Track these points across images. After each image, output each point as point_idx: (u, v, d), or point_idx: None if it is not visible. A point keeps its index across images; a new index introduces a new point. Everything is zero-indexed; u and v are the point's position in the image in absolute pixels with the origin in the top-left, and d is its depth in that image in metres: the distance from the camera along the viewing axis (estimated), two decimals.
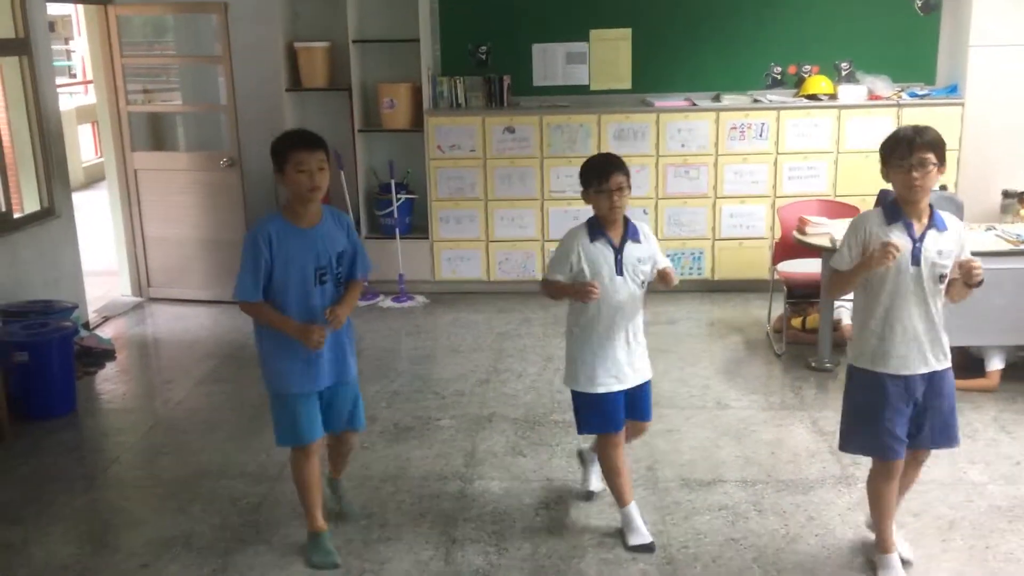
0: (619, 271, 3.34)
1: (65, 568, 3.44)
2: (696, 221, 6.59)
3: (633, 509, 3.50)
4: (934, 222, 3.05)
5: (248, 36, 6.49)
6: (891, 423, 3.12)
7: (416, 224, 6.91)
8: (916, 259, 3.03)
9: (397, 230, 6.69)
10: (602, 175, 3.30)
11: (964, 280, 3.03)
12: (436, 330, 6.18)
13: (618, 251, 3.34)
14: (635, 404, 3.49)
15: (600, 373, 3.39)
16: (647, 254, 3.40)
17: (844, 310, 5.70)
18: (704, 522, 3.66)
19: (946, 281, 3.08)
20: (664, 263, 3.43)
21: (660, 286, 3.39)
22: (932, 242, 3.03)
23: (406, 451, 4.34)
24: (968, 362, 4.93)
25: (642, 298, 3.43)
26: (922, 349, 3.09)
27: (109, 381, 5.38)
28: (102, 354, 5.66)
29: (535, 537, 3.57)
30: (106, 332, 6.17)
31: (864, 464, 3.92)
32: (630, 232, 3.38)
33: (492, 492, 3.93)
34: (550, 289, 3.43)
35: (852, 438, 3.26)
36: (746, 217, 6.58)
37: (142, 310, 6.78)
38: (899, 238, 3.01)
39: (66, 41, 15.34)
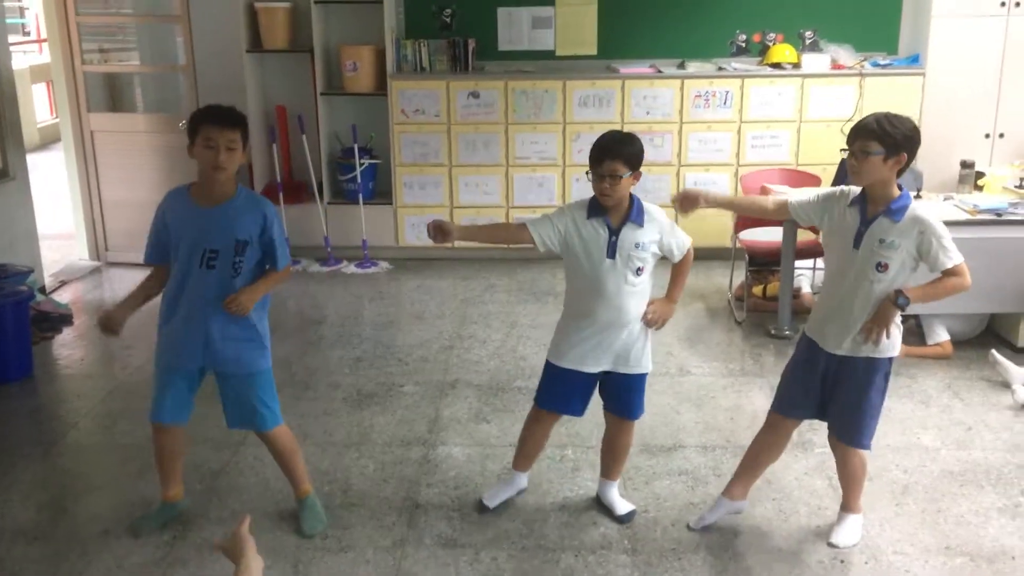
0: (610, 254, 3.16)
1: (24, 534, 3.41)
2: (660, 188, 6.59)
3: (518, 476, 3.57)
4: (889, 210, 3.00)
5: None
6: (794, 379, 3.23)
7: (380, 189, 6.86)
8: (856, 242, 3.05)
9: (360, 195, 6.63)
10: (596, 158, 3.10)
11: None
12: (400, 296, 6.16)
13: (613, 233, 3.16)
14: (614, 395, 3.37)
15: (569, 349, 3.30)
16: (649, 239, 3.19)
17: (804, 279, 5.78)
18: (664, 487, 3.70)
19: (892, 273, 3.00)
20: (680, 249, 3.25)
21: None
22: (878, 229, 3.01)
23: (369, 417, 4.34)
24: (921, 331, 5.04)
25: (643, 285, 3.22)
26: (843, 330, 3.09)
27: (66, 346, 5.31)
28: (59, 319, 5.57)
29: None
30: (63, 296, 6.07)
31: (820, 430, 4.00)
32: (633, 214, 3.17)
33: (455, 458, 3.95)
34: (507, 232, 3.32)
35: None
36: (709, 185, 6.59)
37: (100, 274, 6.68)
38: (851, 218, 3.07)
39: None
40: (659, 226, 3.23)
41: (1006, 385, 4.52)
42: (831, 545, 3.30)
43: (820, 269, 5.83)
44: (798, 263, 5.36)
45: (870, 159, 2.95)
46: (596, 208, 3.20)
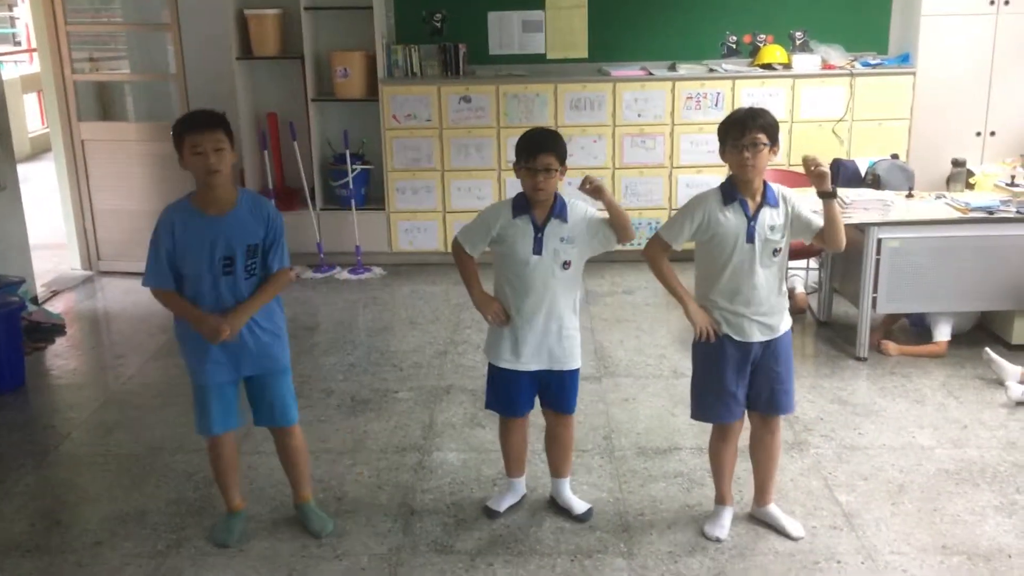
0: (537, 250, 3.21)
1: (17, 546, 3.39)
2: (652, 191, 6.60)
3: (515, 483, 3.57)
4: (766, 199, 3.13)
5: (197, 2, 6.34)
6: (725, 384, 3.24)
7: (372, 195, 6.84)
8: (751, 237, 3.12)
9: (353, 201, 6.62)
10: (529, 152, 3.15)
11: (815, 187, 3.12)
12: (393, 302, 6.15)
13: (539, 230, 3.21)
14: (551, 392, 3.39)
15: (503, 348, 3.34)
16: (574, 232, 3.23)
17: (797, 279, 5.78)
18: (660, 489, 3.70)
19: (783, 254, 3.18)
20: (600, 215, 3.27)
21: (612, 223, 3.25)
22: (765, 219, 3.12)
23: (364, 424, 4.32)
24: (923, 330, 5.04)
25: (571, 280, 3.28)
26: (764, 317, 3.19)
27: (59, 356, 5.28)
28: (51, 329, 5.55)
29: None
30: (55, 307, 6.05)
31: (816, 431, 4.00)
32: (556, 209, 3.21)
33: (450, 463, 3.94)
34: (461, 262, 3.38)
35: (700, 405, 3.36)
36: (702, 187, 6.39)
37: (92, 284, 6.66)
38: (736, 216, 3.13)
39: (9, 7, 14.88)
40: (583, 215, 3.27)
41: (1000, 383, 4.52)
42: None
43: (814, 268, 5.83)
44: (791, 263, 5.34)
45: (763, 151, 3.05)
46: (521, 206, 3.25)
